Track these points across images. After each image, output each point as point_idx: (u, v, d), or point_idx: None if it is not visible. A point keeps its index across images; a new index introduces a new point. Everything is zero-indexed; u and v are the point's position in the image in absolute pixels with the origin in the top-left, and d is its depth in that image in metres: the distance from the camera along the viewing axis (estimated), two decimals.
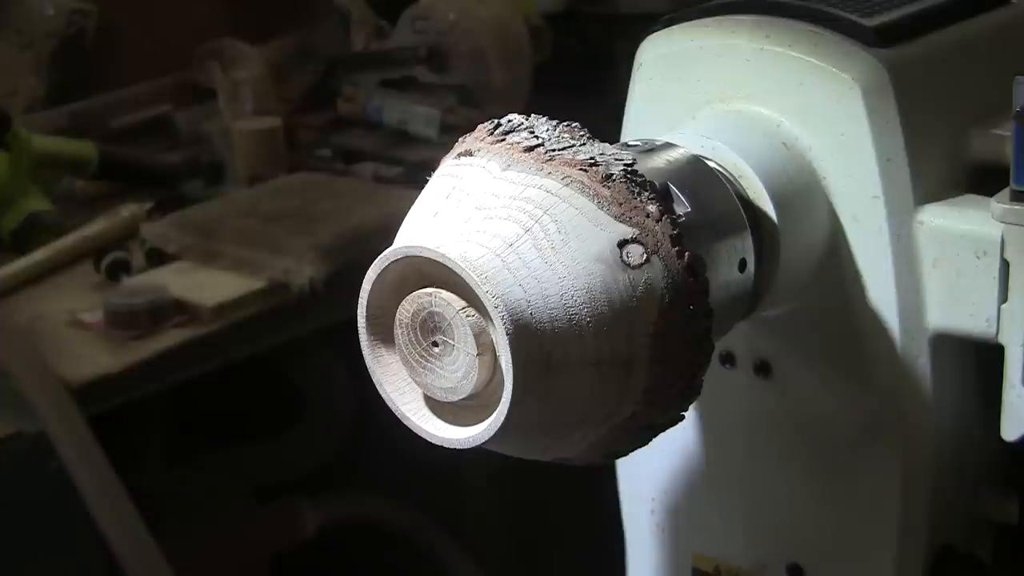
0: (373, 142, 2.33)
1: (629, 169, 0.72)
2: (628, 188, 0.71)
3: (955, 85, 0.91)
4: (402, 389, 0.72)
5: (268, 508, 2.09)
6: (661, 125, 0.89)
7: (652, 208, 0.71)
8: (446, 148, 0.76)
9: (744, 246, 0.81)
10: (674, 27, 0.92)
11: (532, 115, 0.76)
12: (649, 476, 0.98)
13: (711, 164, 0.82)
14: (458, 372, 0.68)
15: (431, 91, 2.41)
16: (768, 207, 0.82)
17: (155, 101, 2.47)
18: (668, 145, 0.82)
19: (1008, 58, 0.92)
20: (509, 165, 0.72)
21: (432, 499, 2.13)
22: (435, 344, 0.69)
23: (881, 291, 0.86)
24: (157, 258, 1.93)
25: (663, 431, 0.76)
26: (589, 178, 0.71)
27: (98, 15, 2.47)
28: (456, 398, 0.69)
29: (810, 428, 0.91)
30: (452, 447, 0.70)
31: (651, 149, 0.81)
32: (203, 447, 2.08)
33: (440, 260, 0.67)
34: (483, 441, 0.69)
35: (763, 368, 0.91)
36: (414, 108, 2.35)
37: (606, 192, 0.71)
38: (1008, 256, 0.83)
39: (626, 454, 0.77)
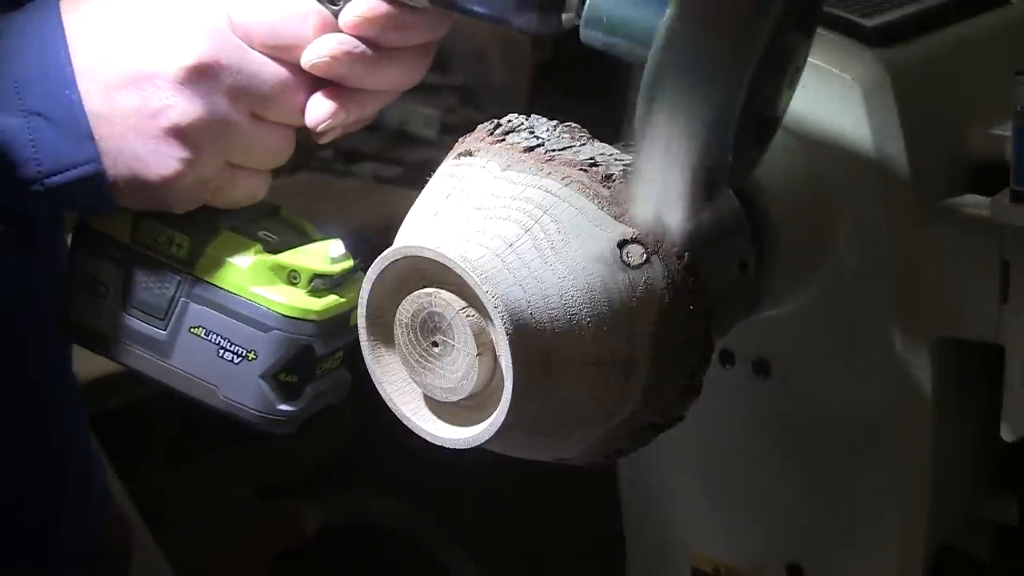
0: (373, 142, 2.33)
1: (629, 169, 0.72)
2: (628, 188, 0.71)
3: (955, 85, 0.91)
4: (402, 389, 0.72)
5: (268, 508, 2.09)
6: None
7: None
8: (446, 148, 0.76)
9: (744, 246, 0.81)
10: None
11: (532, 115, 0.76)
12: (649, 476, 0.98)
13: None
14: (458, 372, 0.68)
15: (431, 91, 2.41)
16: (768, 207, 0.82)
17: None
18: None
19: (1008, 58, 0.92)
20: (509, 165, 0.72)
21: (432, 499, 2.13)
22: (435, 344, 0.69)
23: (881, 291, 0.86)
24: None
25: (663, 431, 0.76)
26: (589, 178, 0.71)
27: None
28: (456, 398, 0.69)
29: (810, 428, 0.91)
30: (452, 447, 0.70)
31: None
32: (204, 447, 2.07)
33: (440, 260, 0.67)
34: (483, 441, 0.69)
35: (762, 367, 0.91)
36: (414, 108, 2.34)
37: (606, 192, 0.71)
38: (1008, 256, 0.83)
39: (626, 454, 0.77)
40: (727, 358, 0.92)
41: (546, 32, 0.71)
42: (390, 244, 0.70)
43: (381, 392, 0.72)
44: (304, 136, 0.78)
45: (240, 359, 0.77)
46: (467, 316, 0.68)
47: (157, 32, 0.74)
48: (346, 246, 0.79)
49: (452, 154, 0.74)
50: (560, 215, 0.69)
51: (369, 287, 0.70)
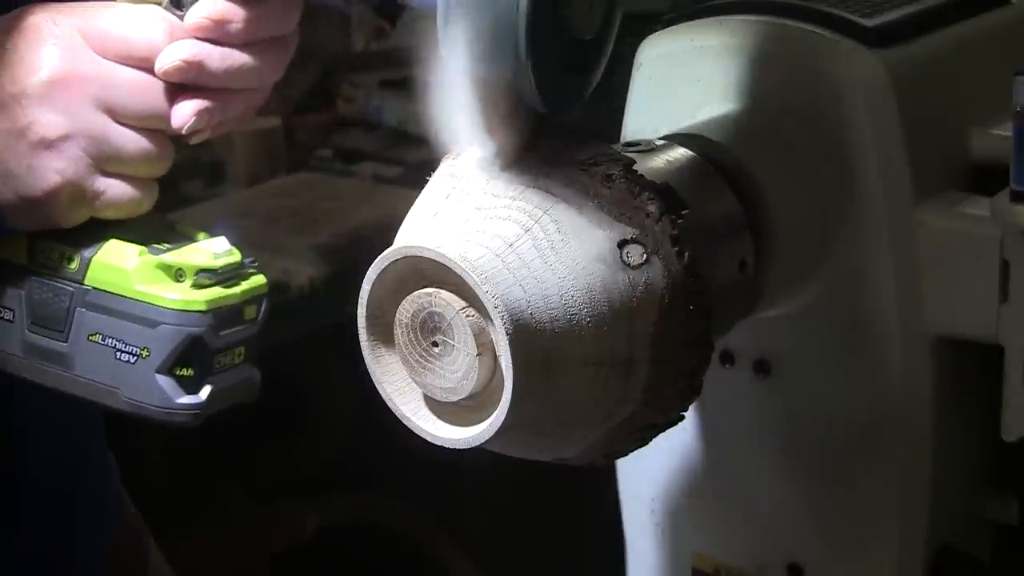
0: (373, 142, 2.33)
1: (629, 169, 0.72)
2: (628, 188, 0.71)
3: (955, 85, 0.91)
4: (402, 389, 0.72)
5: (268, 508, 2.09)
6: (661, 125, 0.89)
7: (652, 208, 0.71)
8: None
9: (744, 246, 0.81)
10: (674, 27, 0.92)
11: None
12: (649, 476, 0.98)
13: (711, 164, 0.82)
14: (458, 372, 0.68)
15: None
16: (768, 207, 0.82)
17: None
18: (668, 145, 0.82)
19: (1008, 58, 0.92)
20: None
21: (432, 499, 2.13)
22: (435, 344, 0.69)
23: (881, 291, 0.86)
24: None
25: (663, 431, 0.76)
26: (589, 178, 0.71)
27: None
28: (456, 398, 0.69)
29: (810, 428, 0.91)
30: (452, 447, 0.70)
31: (651, 149, 0.81)
32: (203, 447, 2.07)
33: (440, 260, 0.67)
34: (483, 441, 0.69)
35: (762, 367, 0.91)
36: (414, 108, 2.34)
37: (606, 192, 0.71)
38: (1008, 256, 0.83)
39: (626, 454, 0.77)
40: (727, 358, 0.92)
41: None
42: (390, 244, 0.70)
43: (381, 392, 0.72)
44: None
45: (135, 358, 0.79)
46: (467, 316, 0.68)
47: (15, 56, 0.76)
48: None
49: (452, 154, 0.74)
50: (560, 215, 0.69)
51: (369, 287, 0.70)
